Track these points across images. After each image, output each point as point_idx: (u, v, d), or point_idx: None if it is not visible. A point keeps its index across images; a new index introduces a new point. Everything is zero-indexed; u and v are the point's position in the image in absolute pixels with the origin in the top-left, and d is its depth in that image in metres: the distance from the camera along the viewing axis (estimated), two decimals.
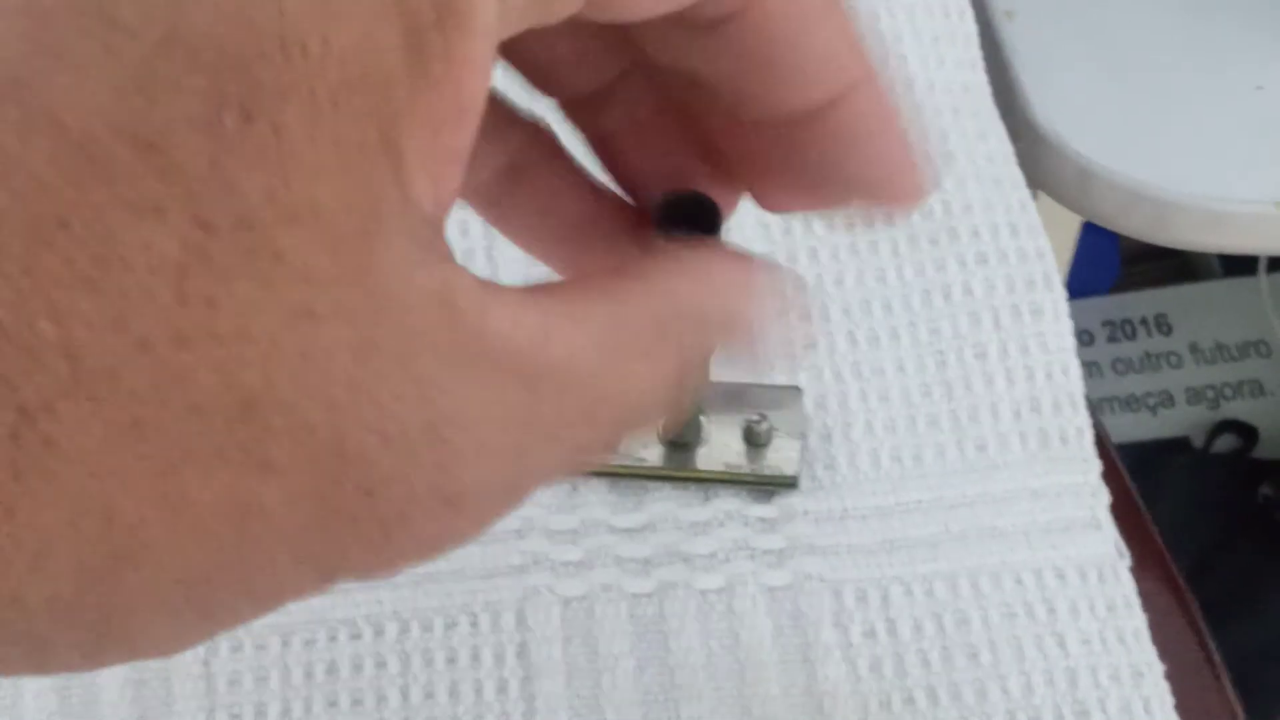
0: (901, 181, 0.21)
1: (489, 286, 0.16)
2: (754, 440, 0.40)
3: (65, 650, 0.16)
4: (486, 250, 0.44)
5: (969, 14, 0.50)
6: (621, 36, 0.21)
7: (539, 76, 0.23)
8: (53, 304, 0.14)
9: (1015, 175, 0.46)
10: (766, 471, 0.40)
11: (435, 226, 0.16)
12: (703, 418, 0.40)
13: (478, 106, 0.16)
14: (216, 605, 0.16)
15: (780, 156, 0.22)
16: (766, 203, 0.23)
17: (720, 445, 0.40)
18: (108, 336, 0.14)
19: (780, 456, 0.40)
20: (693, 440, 0.40)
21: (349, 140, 0.15)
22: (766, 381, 0.41)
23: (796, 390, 0.41)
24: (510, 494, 0.18)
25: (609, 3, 0.17)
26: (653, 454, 0.40)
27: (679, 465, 0.40)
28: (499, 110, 0.22)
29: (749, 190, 0.23)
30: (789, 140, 0.21)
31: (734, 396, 0.41)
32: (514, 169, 0.23)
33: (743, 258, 0.21)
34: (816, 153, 0.20)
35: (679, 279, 0.19)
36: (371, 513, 0.16)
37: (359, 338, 0.15)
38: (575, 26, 0.20)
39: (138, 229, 0.14)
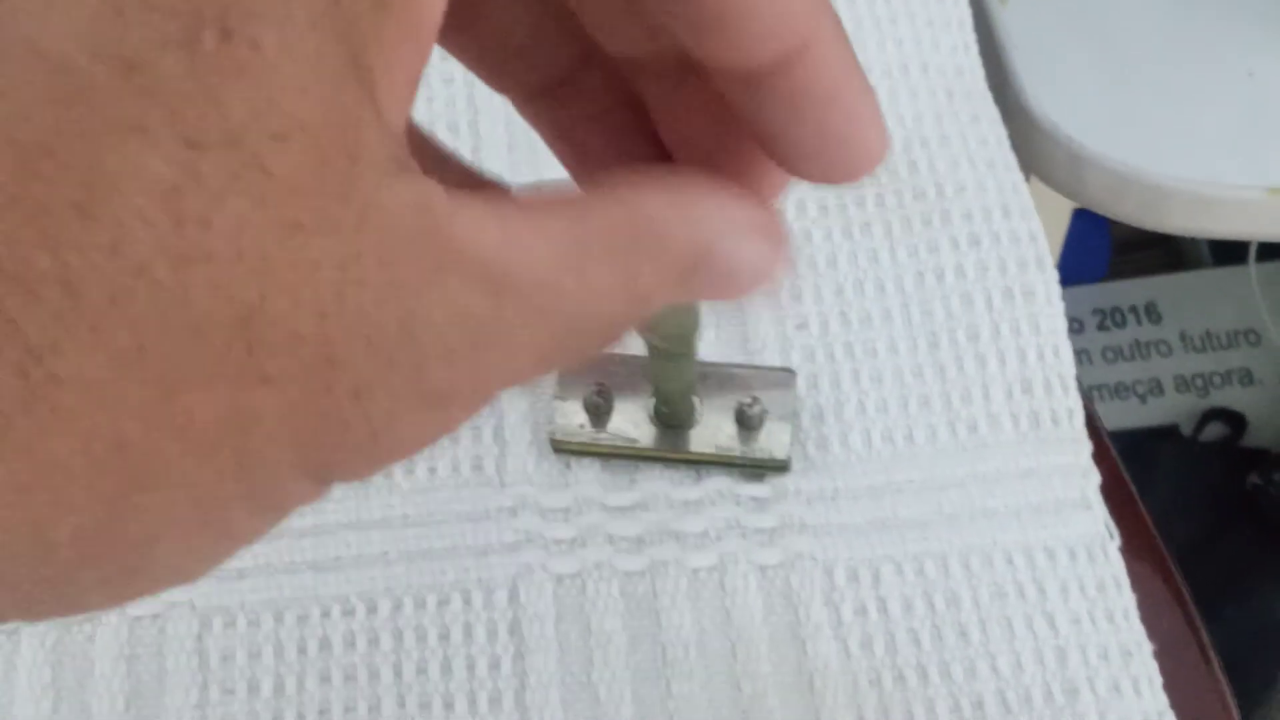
0: (861, 139, 0.20)
1: (457, 195, 0.17)
2: (746, 423, 0.40)
3: (93, 587, 0.16)
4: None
5: None
6: (572, 21, 0.21)
7: (493, 69, 0.23)
8: (46, 234, 0.14)
9: (1008, 158, 0.46)
10: (758, 454, 0.40)
11: (402, 141, 0.16)
12: (695, 399, 0.40)
13: (433, 32, 0.16)
14: (230, 521, 0.16)
15: (734, 138, 0.22)
16: None
17: (712, 427, 0.40)
18: (105, 263, 0.14)
19: (772, 439, 0.40)
20: (685, 421, 0.40)
21: (325, 60, 0.15)
22: (760, 363, 0.42)
23: (790, 373, 0.41)
24: (480, 394, 0.18)
25: None
26: (645, 435, 0.40)
27: (671, 446, 0.40)
28: (557, 21, 0.22)
29: None
30: (747, 110, 0.20)
31: (726, 378, 0.41)
32: (565, 83, 0.23)
33: (743, 198, 0.20)
34: (773, 117, 0.20)
35: (649, 197, 0.19)
36: (360, 415, 0.16)
37: (344, 247, 0.15)
38: (528, 8, 0.21)
39: (125, 151, 0.14)
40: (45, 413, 0.14)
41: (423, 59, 0.16)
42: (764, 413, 0.40)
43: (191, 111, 0.14)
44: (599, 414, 0.40)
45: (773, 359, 0.42)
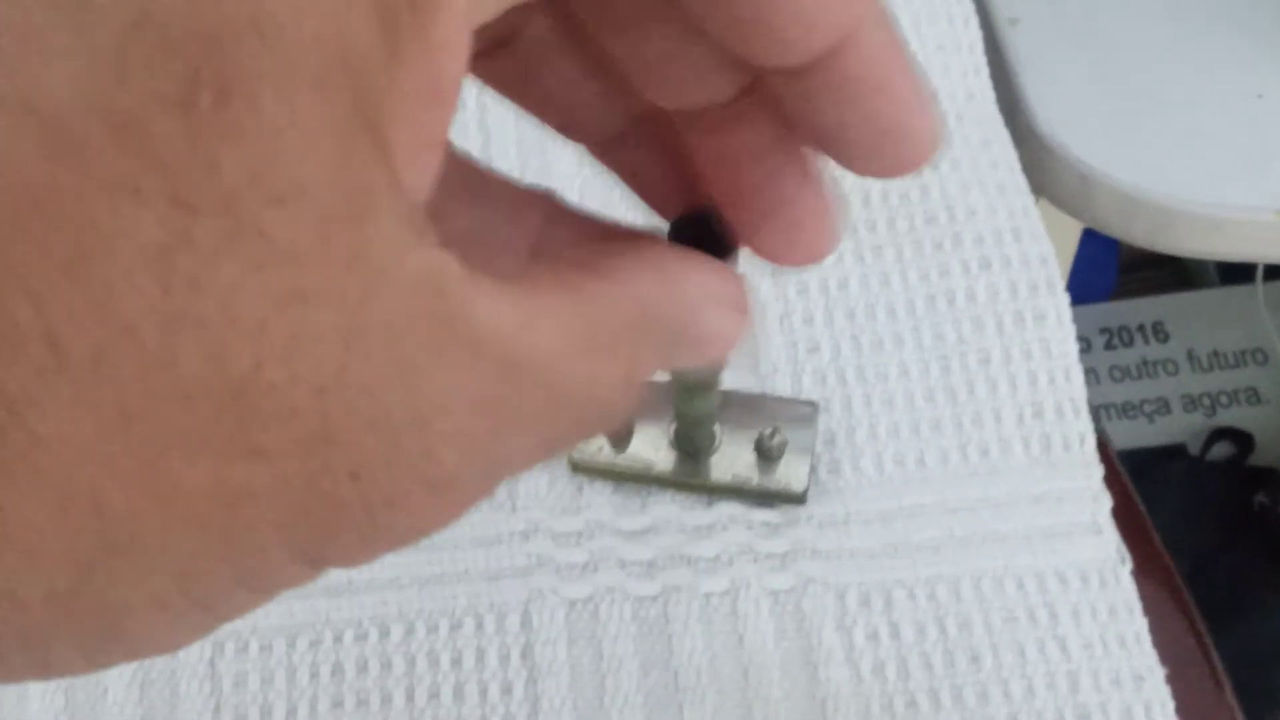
0: (914, 129, 0.20)
1: (473, 273, 0.16)
2: (765, 453, 0.40)
3: (66, 651, 0.16)
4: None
5: (974, 21, 0.50)
6: (624, 80, 0.21)
7: (558, 125, 0.23)
8: (32, 291, 0.13)
9: (1019, 181, 0.46)
10: (775, 486, 0.40)
11: (419, 208, 0.16)
12: (716, 426, 0.40)
13: (454, 89, 0.16)
14: (211, 596, 0.16)
15: (782, 185, 0.22)
16: (766, 250, 0.23)
17: (731, 455, 0.40)
18: (91, 323, 0.14)
19: (790, 471, 0.40)
20: (704, 449, 0.40)
21: (330, 121, 0.14)
22: (783, 395, 0.42)
23: (812, 406, 0.41)
24: (487, 479, 0.17)
25: None
26: (663, 460, 0.40)
27: (689, 473, 0.40)
28: (610, 82, 0.22)
29: (756, 232, 0.23)
30: (798, 108, 0.20)
31: (749, 407, 0.41)
32: (628, 133, 0.23)
33: (718, 270, 0.21)
34: (824, 112, 0.20)
35: (642, 278, 0.19)
36: (357, 497, 0.16)
37: (348, 320, 0.15)
38: (582, 71, 0.21)
39: (116, 212, 0.14)
40: (22, 471, 0.14)
41: (445, 117, 0.16)
42: (784, 444, 0.40)
43: (185, 173, 0.14)
44: (619, 438, 0.40)
45: (784, 382, 0.42)
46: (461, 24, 0.15)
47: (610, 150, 0.24)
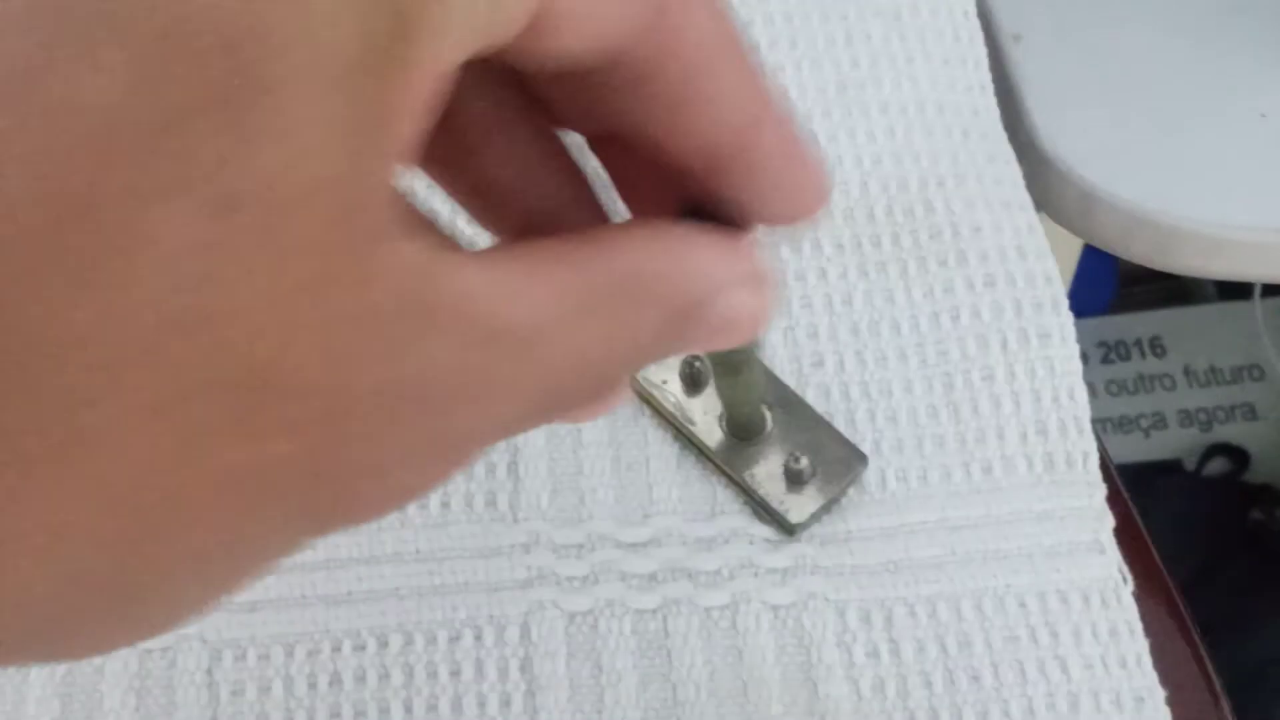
0: (806, 202, 0.22)
1: (458, 251, 0.17)
2: (789, 473, 0.40)
3: (93, 628, 0.17)
4: None
5: (979, 38, 0.50)
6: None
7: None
8: (80, 291, 0.14)
9: (1023, 198, 0.46)
10: (777, 505, 0.39)
11: (403, 201, 0.17)
12: (770, 422, 0.41)
13: (433, 107, 0.17)
14: (231, 566, 0.17)
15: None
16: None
17: (767, 457, 0.40)
18: (131, 323, 0.14)
19: (799, 502, 0.40)
20: (742, 437, 0.41)
21: (344, 121, 0.15)
22: (846, 435, 0.41)
23: (862, 457, 0.41)
24: (481, 442, 0.19)
25: (550, 25, 0.18)
26: (711, 431, 0.41)
27: (720, 448, 0.41)
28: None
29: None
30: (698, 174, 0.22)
31: (808, 427, 0.41)
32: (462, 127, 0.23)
33: (732, 247, 0.21)
34: (726, 189, 0.21)
35: (644, 248, 0.20)
36: (364, 467, 0.17)
37: (352, 306, 0.16)
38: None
39: (155, 214, 0.14)
40: (67, 463, 0.15)
41: (422, 128, 0.17)
42: (810, 475, 0.40)
43: (218, 175, 0.15)
44: (687, 384, 0.41)
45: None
46: (443, 54, 0.16)
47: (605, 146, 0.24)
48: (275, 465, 0.16)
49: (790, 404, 0.41)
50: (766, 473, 0.40)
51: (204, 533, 0.16)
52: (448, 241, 0.18)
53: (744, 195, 0.21)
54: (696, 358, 0.41)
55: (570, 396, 0.19)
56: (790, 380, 0.42)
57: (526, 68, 0.19)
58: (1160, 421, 1.05)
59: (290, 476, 0.16)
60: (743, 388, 0.38)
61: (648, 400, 0.42)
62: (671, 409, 0.41)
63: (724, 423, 0.41)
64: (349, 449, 0.17)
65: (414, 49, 0.16)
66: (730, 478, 0.40)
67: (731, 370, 0.37)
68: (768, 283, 0.22)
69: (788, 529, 0.39)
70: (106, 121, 0.14)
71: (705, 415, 0.41)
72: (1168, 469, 1.03)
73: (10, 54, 0.14)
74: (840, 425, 0.42)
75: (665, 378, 0.42)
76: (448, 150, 0.22)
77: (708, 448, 0.41)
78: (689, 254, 0.20)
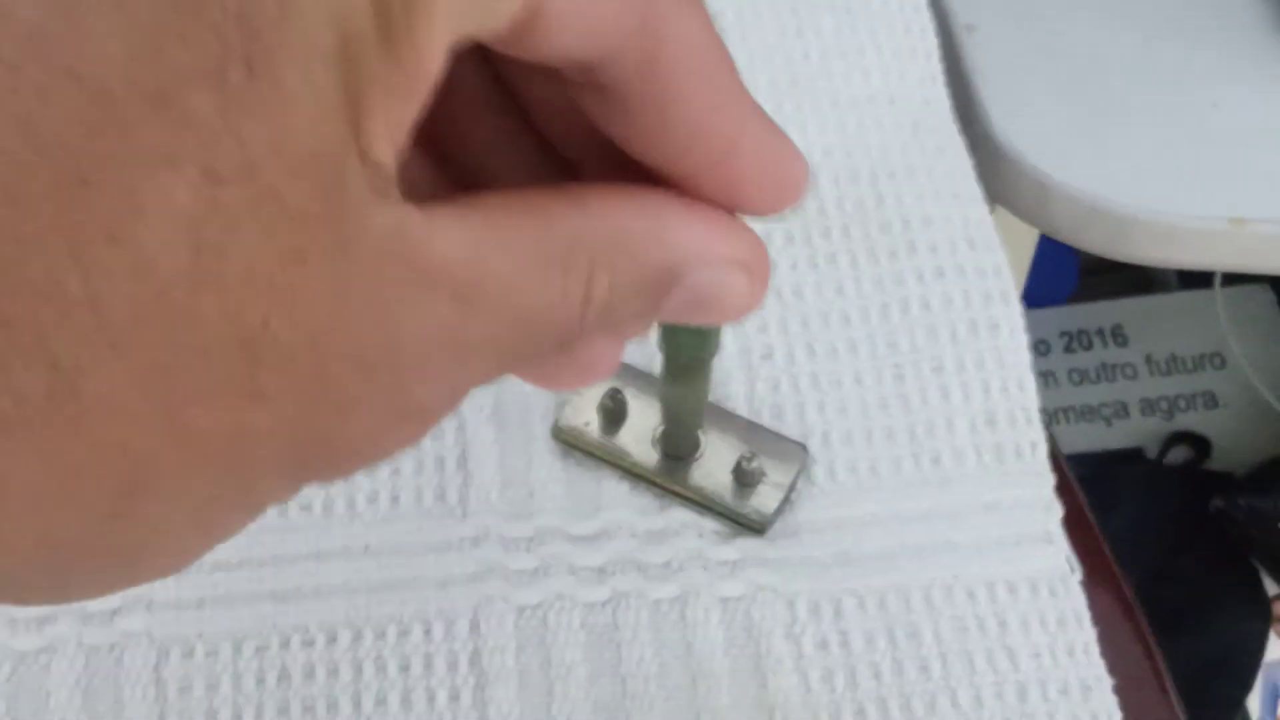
0: (785, 196, 0.22)
1: (431, 211, 0.18)
2: (741, 477, 0.40)
3: (83, 578, 0.17)
4: None
5: (930, 29, 0.50)
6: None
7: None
8: (79, 260, 0.14)
9: (974, 190, 0.46)
10: (740, 511, 0.40)
11: (389, 176, 0.17)
12: (702, 436, 0.40)
13: (428, 88, 0.17)
14: (214, 523, 0.18)
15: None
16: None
17: (709, 469, 0.40)
18: (129, 287, 0.15)
19: (759, 501, 0.40)
20: (686, 453, 0.40)
21: (332, 98, 0.16)
22: (777, 429, 0.41)
23: (802, 448, 0.41)
24: (449, 401, 0.19)
25: (536, 25, 0.18)
26: (644, 456, 0.40)
27: (665, 475, 0.40)
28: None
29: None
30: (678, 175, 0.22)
31: (739, 430, 0.41)
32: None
33: (722, 224, 0.21)
34: (706, 191, 0.22)
35: (619, 209, 0.20)
36: (342, 429, 0.17)
37: (336, 274, 0.16)
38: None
39: (154, 181, 0.15)
40: (62, 423, 0.15)
41: (418, 106, 0.17)
42: (761, 473, 0.40)
43: (216, 145, 0.15)
44: (610, 419, 0.41)
45: (738, 390, 0.42)
46: (444, 34, 0.17)
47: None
48: (255, 431, 0.16)
49: (717, 413, 0.41)
50: (717, 482, 0.40)
51: (186, 489, 0.17)
52: (423, 206, 0.18)
53: (723, 197, 0.22)
54: (616, 393, 0.41)
55: (529, 349, 0.20)
56: (740, 373, 0.42)
57: (516, 58, 0.19)
58: (1122, 410, 1.06)
59: (271, 441, 0.17)
60: (694, 397, 0.38)
61: (574, 446, 0.41)
62: (599, 449, 0.41)
63: (658, 445, 0.41)
64: (326, 417, 0.17)
65: (411, 30, 0.16)
66: (680, 495, 0.40)
67: (687, 377, 0.37)
68: (757, 269, 0.22)
69: (757, 528, 0.39)
70: (107, 89, 0.14)
71: (636, 443, 0.41)
72: (1129, 458, 1.04)
73: (17, 17, 0.14)
74: (789, 417, 0.42)
75: (587, 419, 0.41)
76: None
77: (648, 471, 0.40)
78: (670, 222, 0.21)
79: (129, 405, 0.15)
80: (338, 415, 0.17)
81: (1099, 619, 0.39)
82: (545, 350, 0.20)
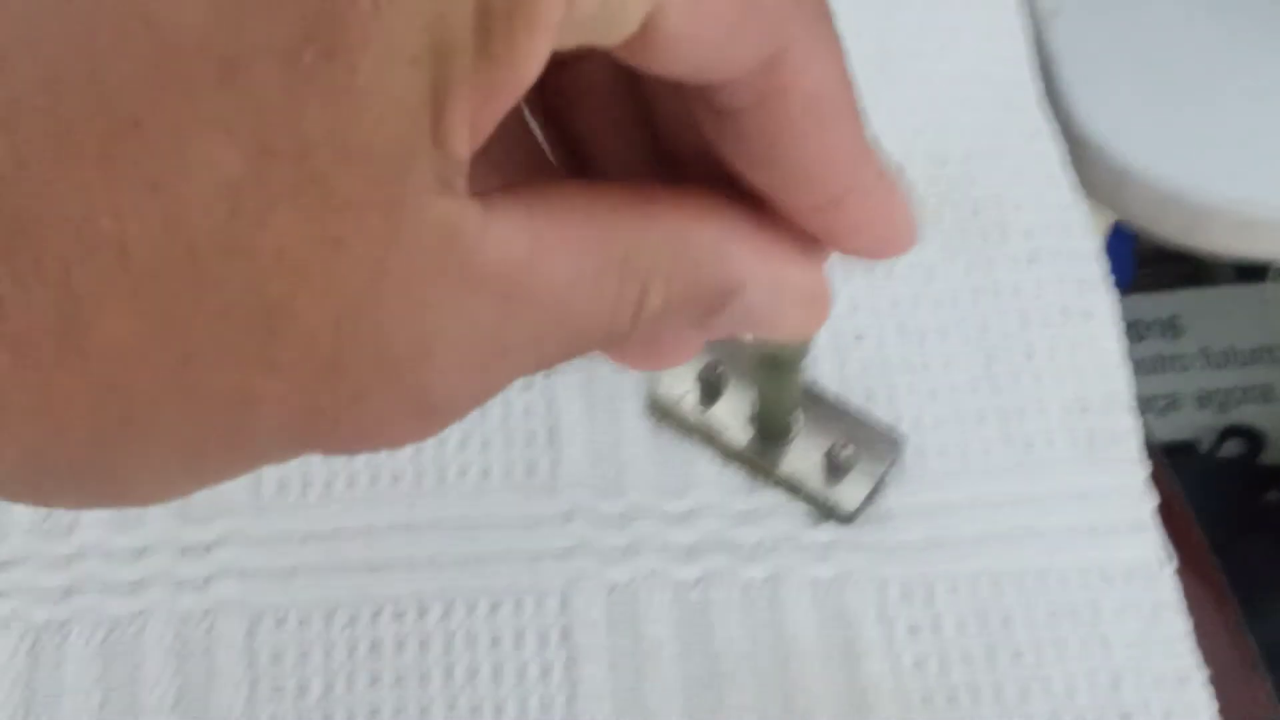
0: (892, 247, 0.22)
1: (492, 205, 0.17)
2: (833, 464, 0.39)
3: (67, 493, 0.18)
4: None
5: (1019, 9, 0.49)
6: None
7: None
8: (115, 201, 0.15)
9: (1065, 175, 0.46)
10: (829, 498, 0.39)
11: (460, 168, 0.17)
12: (798, 419, 0.40)
13: (523, 89, 0.17)
14: (205, 468, 0.18)
15: None
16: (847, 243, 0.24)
17: (802, 453, 0.40)
18: (160, 237, 0.15)
19: (849, 490, 0.39)
20: (780, 435, 0.40)
21: (410, 94, 0.15)
22: (869, 412, 0.41)
23: (898, 436, 0.41)
24: (474, 400, 0.19)
25: (654, 46, 0.18)
26: (739, 433, 0.40)
27: (757, 454, 0.40)
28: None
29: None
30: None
31: (837, 416, 0.41)
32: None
33: (783, 252, 0.21)
34: (811, 230, 0.21)
35: (684, 222, 0.20)
36: (352, 416, 0.17)
37: (376, 266, 0.16)
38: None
39: (205, 142, 0.15)
40: (71, 354, 0.15)
41: (503, 112, 0.17)
42: (853, 461, 0.39)
43: (274, 120, 0.15)
44: (708, 392, 0.40)
45: (829, 371, 0.42)
46: (546, 40, 0.16)
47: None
48: (260, 399, 0.16)
49: (813, 397, 0.41)
50: (809, 466, 0.40)
51: (181, 439, 0.17)
52: (485, 201, 0.17)
53: (823, 237, 0.21)
54: (717, 364, 0.40)
55: (572, 352, 0.19)
56: (832, 354, 0.42)
57: (631, 67, 0.19)
58: (1175, 403, 1.05)
59: (275, 409, 0.17)
60: (785, 390, 0.38)
61: (669, 417, 0.41)
62: (693, 423, 0.41)
63: (754, 424, 0.40)
64: (337, 402, 0.17)
65: (511, 43, 0.16)
66: (769, 477, 0.40)
67: (777, 374, 0.37)
68: (816, 304, 0.22)
69: (845, 517, 0.39)
70: (177, 43, 0.14)
71: (732, 419, 0.40)
72: (1182, 451, 1.03)
73: None
74: (880, 400, 0.41)
75: (685, 390, 0.41)
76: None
77: (740, 451, 0.40)
78: (736, 237, 0.20)
79: (137, 351, 0.15)
80: (349, 401, 0.17)
81: (1192, 609, 0.39)
82: (586, 351, 0.20)
